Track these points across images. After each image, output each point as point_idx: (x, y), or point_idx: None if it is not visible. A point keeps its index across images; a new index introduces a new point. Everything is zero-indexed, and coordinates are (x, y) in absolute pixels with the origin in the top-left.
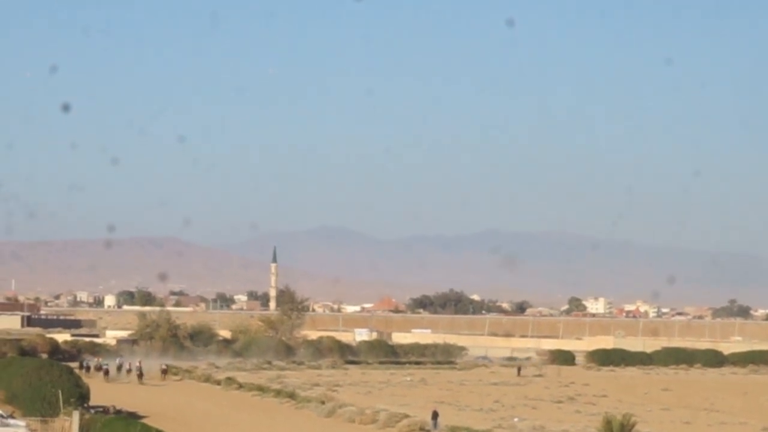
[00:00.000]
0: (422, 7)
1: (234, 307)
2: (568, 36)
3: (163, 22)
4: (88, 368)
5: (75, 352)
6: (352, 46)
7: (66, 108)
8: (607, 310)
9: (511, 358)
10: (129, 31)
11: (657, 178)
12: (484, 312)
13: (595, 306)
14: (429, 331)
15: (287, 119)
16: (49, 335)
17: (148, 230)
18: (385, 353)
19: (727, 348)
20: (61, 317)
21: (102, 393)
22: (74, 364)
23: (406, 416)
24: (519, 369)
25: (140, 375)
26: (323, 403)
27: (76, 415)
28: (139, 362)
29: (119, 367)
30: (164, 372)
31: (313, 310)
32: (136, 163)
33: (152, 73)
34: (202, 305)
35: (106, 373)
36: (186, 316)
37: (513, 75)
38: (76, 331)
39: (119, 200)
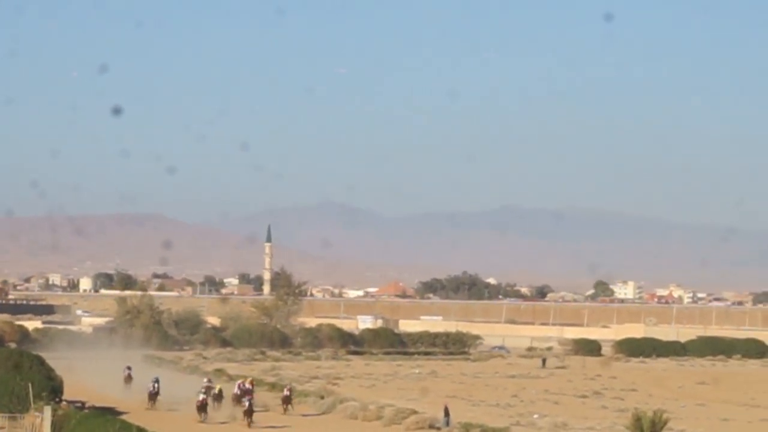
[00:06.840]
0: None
1: (224, 291)
2: (668, 32)
3: (225, 16)
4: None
5: (47, 341)
6: (430, 41)
7: (117, 111)
8: (637, 296)
9: (530, 348)
10: (187, 26)
11: (692, 149)
12: (500, 297)
13: (624, 291)
14: (440, 318)
15: (358, 121)
16: (18, 322)
17: (129, 206)
18: (391, 343)
19: None
20: (32, 302)
21: None
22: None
23: (415, 412)
24: (544, 360)
25: (249, 412)
26: (322, 397)
27: (47, 411)
28: (250, 382)
29: (214, 393)
30: (287, 401)
31: (312, 295)
32: (195, 172)
33: (212, 73)
34: (189, 289)
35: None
36: (171, 301)
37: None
38: (48, 318)
39: (175, 212)
